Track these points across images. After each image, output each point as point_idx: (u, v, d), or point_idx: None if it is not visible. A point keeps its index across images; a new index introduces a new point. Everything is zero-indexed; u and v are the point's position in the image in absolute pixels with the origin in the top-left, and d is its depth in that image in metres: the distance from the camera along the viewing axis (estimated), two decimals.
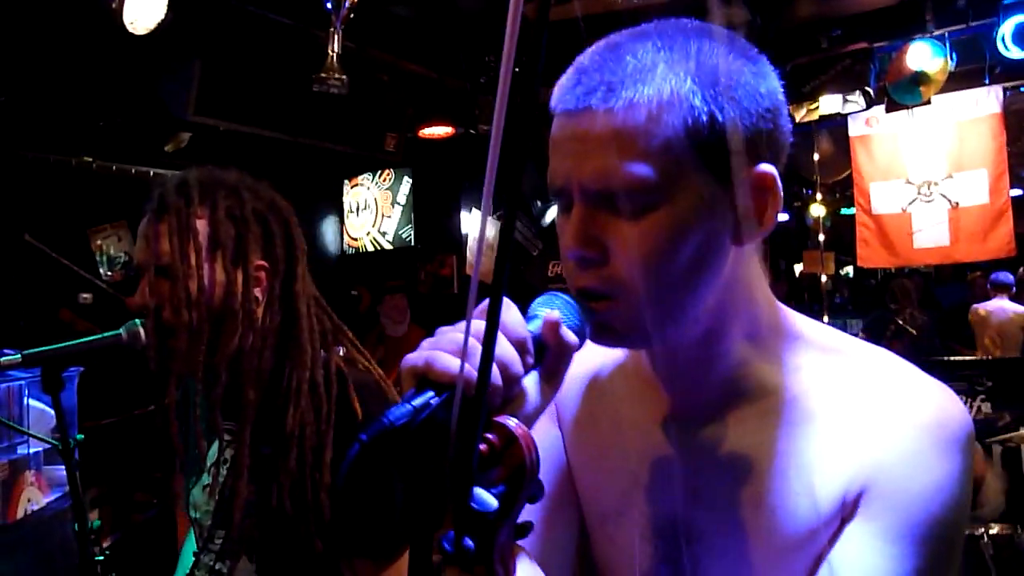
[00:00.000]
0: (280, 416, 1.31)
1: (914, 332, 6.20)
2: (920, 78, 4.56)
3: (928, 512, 0.71)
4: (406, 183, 6.41)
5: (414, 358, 0.62)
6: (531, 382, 0.67)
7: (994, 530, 2.90)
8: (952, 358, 5.17)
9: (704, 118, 0.70)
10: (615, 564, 0.88)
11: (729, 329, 0.79)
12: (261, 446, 1.32)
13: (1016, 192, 5.59)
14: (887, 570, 0.70)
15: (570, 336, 0.69)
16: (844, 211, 7.89)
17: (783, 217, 8.98)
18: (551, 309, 0.70)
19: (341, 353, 1.42)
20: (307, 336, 1.37)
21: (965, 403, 3.93)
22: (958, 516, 0.73)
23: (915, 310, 6.43)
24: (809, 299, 8.25)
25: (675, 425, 0.84)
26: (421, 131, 4.87)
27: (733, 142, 0.70)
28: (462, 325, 0.63)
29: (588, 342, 0.74)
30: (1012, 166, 5.21)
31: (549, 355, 0.69)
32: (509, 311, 0.65)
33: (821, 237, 6.69)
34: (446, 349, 0.62)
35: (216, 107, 3.64)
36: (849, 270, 10.74)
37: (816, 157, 6.01)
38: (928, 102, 4.71)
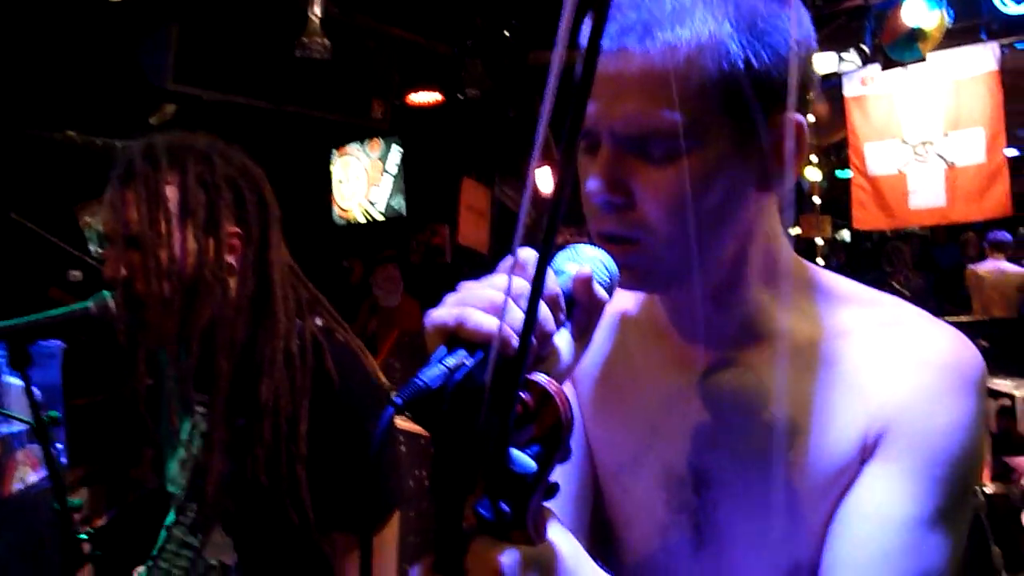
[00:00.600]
0: (254, 387, 1.28)
1: (909, 294, 6.18)
2: (917, 34, 4.48)
3: (947, 452, 0.72)
4: (396, 152, 6.33)
5: (443, 315, 0.59)
6: (562, 339, 0.65)
7: (989, 489, 2.90)
8: (949, 318, 5.14)
9: (740, 64, 0.69)
10: (631, 515, 0.87)
11: (748, 275, 0.79)
12: (235, 418, 1.29)
13: (1012, 152, 5.53)
14: (907, 510, 0.71)
15: (601, 292, 0.67)
16: (839, 174, 7.82)
17: None
18: (578, 263, 0.68)
19: (319, 323, 1.38)
20: (281, 305, 1.33)
21: None
22: (974, 455, 0.74)
23: (910, 272, 6.41)
24: None
25: (691, 372, 0.83)
26: (409, 97, 4.80)
27: (767, 89, 0.70)
28: (489, 280, 0.61)
29: None
30: (1008, 125, 5.14)
31: (579, 311, 0.67)
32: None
33: (817, 200, 6.64)
34: (477, 306, 0.58)
35: (196, 75, 3.56)
36: (846, 234, 10.70)
37: (811, 119, 5.93)
38: (923, 59, 4.63)
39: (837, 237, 10.50)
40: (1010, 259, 6.12)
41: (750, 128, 0.71)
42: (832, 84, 5.35)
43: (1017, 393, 3.30)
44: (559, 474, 0.57)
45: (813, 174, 7.19)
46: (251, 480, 1.26)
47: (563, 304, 0.64)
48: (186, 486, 1.36)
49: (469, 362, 0.56)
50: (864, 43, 4.60)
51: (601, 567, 0.67)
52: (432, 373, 0.55)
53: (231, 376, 1.29)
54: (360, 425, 1.27)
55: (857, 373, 0.76)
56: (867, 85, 5.36)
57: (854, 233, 8.99)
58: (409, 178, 6.33)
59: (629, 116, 0.70)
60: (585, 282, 0.66)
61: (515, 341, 0.56)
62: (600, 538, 0.90)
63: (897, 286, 6.27)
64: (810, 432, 0.76)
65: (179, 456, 1.39)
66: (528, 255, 0.60)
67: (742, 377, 0.80)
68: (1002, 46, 5.07)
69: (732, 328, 0.81)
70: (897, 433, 0.73)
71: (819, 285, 0.83)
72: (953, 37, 4.80)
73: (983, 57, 5.08)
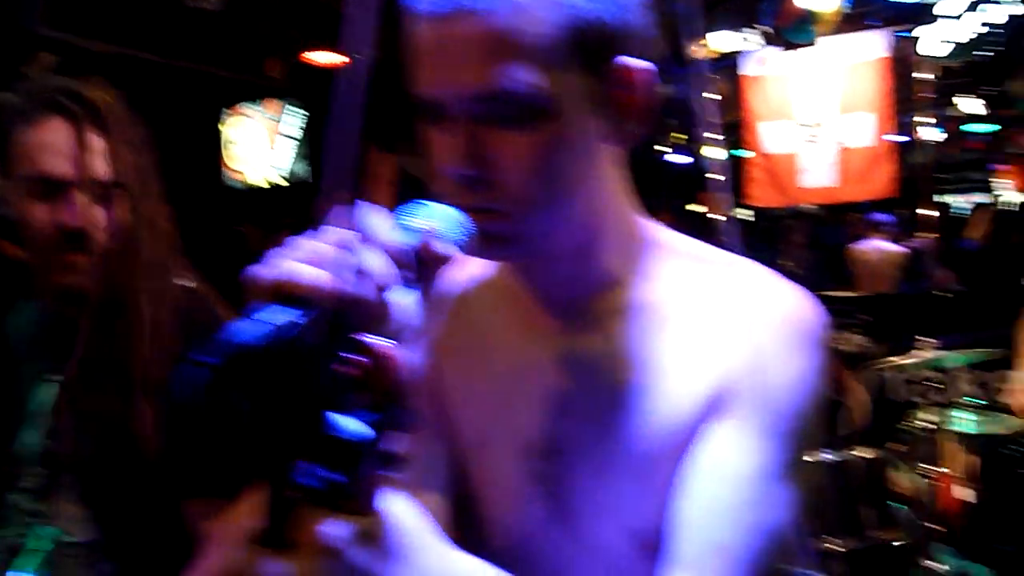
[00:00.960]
0: (120, 348, 1.22)
1: (801, 272, 6.42)
2: (811, 18, 4.62)
3: (790, 407, 0.73)
4: (294, 114, 6.12)
5: (267, 270, 0.54)
6: (403, 297, 0.61)
7: (861, 453, 3.05)
8: (830, 293, 5.37)
9: (584, 15, 0.67)
10: (489, 488, 0.85)
11: (601, 236, 0.78)
12: (96, 380, 1.23)
13: (901, 138, 5.79)
14: (751, 466, 0.71)
15: (446, 249, 0.65)
16: (734, 152, 8.06)
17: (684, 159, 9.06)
18: (421, 218, 0.65)
19: (187, 284, 1.33)
20: (166, 262, 1.29)
21: (841, 336, 4.13)
22: (817, 410, 0.75)
23: (800, 251, 6.67)
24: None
25: (544, 339, 0.81)
26: (306, 56, 4.63)
27: (613, 38, 0.69)
28: (319, 234, 0.57)
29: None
30: (896, 112, 5.39)
31: (423, 269, 0.63)
32: (378, 219, 0.59)
33: (720, 178, 6.78)
34: (305, 260, 0.55)
35: (72, 21, 3.31)
36: (745, 213, 11.03)
37: (717, 97, 6.05)
38: (813, 43, 4.79)
39: (736, 215, 10.81)
40: (892, 239, 6.44)
41: (600, 82, 0.70)
42: (729, 63, 5.47)
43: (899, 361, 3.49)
44: (419, 451, 0.54)
45: (715, 152, 7.36)
46: (106, 444, 1.21)
47: (406, 260, 0.60)
48: (38, 452, 1.29)
49: (293, 319, 0.51)
50: (758, 23, 4.71)
51: (466, 548, 0.64)
52: (253, 331, 0.50)
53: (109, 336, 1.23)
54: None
55: (701, 332, 0.76)
56: (764, 65, 5.51)
57: (756, 212, 9.27)
58: (315, 143, 6.13)
59: (478, 83, 0.67)
60: (429, 239, 0.63)
61: (347, 297, 0.53)
62: (467, 518, 0.86)
63: (787, 263, 6.51)
64: (657, 394, 0.75)
65: (31, 425, 1.30)
66: (363, 209, 0.57)
67: (594, 342, 0.79)
68: (893, 33, 5.30)
69: (584, 291, 0.80)
70: (741, 390, 0.73)
71: (664, 245, 0.82)
72: (848, 22, 4.98)
73: (875, 43, 5.30)
